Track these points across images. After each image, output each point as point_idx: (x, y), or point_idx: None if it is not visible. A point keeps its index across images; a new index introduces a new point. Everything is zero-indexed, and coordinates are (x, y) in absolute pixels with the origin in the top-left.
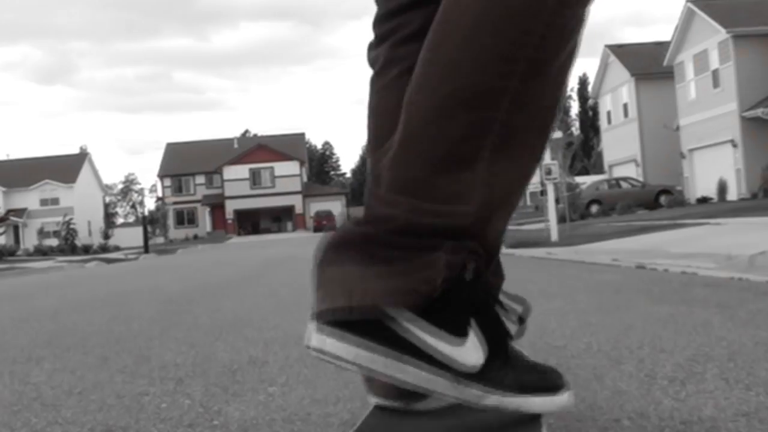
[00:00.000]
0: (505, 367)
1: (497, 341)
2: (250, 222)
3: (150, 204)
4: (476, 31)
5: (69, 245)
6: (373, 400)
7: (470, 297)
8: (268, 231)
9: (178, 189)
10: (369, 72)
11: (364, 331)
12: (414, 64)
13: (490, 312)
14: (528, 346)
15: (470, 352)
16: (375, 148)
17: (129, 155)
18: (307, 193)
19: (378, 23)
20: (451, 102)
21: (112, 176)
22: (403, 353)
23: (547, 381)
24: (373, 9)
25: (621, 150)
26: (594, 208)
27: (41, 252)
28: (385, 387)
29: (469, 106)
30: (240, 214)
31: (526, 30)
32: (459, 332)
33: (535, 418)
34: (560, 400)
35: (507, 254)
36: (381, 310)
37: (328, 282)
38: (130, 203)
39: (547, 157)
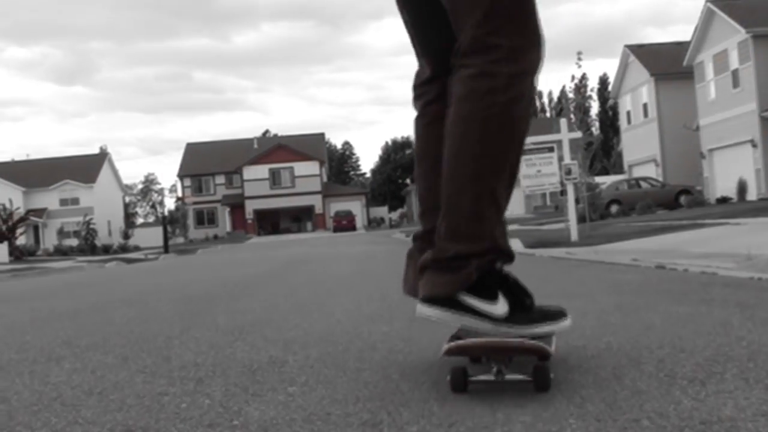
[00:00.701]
0: (522, 312)
1: (515, 300)
2: (270, 222)
3: (170, 204)
4: (475, 155)
5: (89, 245)
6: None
7: (498, 278)
8: (288, 231)
9: (198, 189)
10: (389, 76)
11: (442, 303)
12: (434, 119)
13: (511, 283)
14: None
15: (499, 307)
16: (418, 165)
17: (149, 155)
18: (326, 193)
19: (414, 88)
20: (472, 192)
21: (132, 176)
22: (463, 313)
23: (548, 316)
24: (391, 8)
25: (641, 150)
26: (614, 208)
27: (61, 252)
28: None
29: (482, 195)
30: (260, 214)
31: (507, 150)
32: (492, 298)
33: (547, 337)
34: (558, 325)
35: (527, 254)
36: (448, 293)
37: (424, 282)
38: (150, 203)
39: (567, 157)
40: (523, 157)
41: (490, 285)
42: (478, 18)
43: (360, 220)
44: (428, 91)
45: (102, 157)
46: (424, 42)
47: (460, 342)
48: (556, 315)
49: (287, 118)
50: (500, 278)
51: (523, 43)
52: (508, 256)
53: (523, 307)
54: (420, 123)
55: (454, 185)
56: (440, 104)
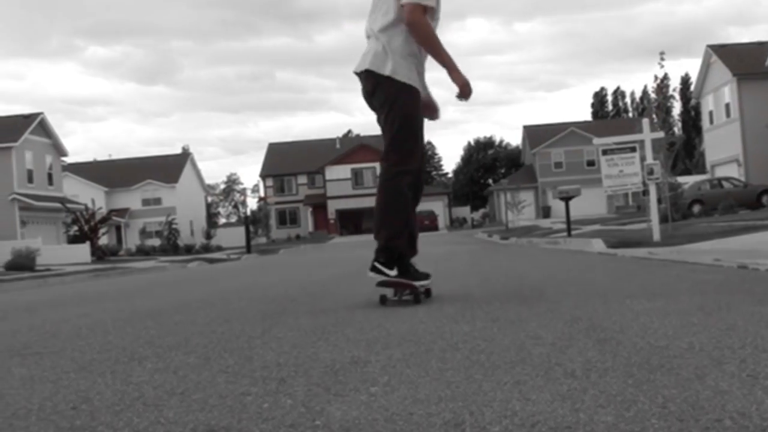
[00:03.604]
0: (407, 275)
1: (402, 269)
2: (352, 222)
3: (252, 204)
4: (388, 207)
5: (171, 245)
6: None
7: (397, 261)
8: (370, 231)
9: (280, 189)
10: (471, 75)
11: (371, 269)
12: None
13: (403, 262)
14: (630, 346)
15: (392, 272)
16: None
17: (231, 155)
18: None
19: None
20: (385, 221)
21: (215, 176)
22: (376, 272)
23: (420, 277)
24: (472, 8)
25: (723, 150)
26: (696, 208)
27: (143, 252)
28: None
29: (396, 229)
30: (342, 214)
31: (400, 202)
32: (392, 268)
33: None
34: (420, 282)
35: (609, 254)
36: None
37: (374, 260)
38: (232, 203)
39: (649, 157)
40: (605, 157)
41: (393, 262)
42: (387, 142)
43: (442, 220)
44: None
45: (184, 157)
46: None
47: (382, 280)
48: (422, 277)
49: (370, 118)
50: (399, 261)
51: (403, 158)
52: (400, 254)
53: (407, 274)
54: None
55: (381, 224)
56: None
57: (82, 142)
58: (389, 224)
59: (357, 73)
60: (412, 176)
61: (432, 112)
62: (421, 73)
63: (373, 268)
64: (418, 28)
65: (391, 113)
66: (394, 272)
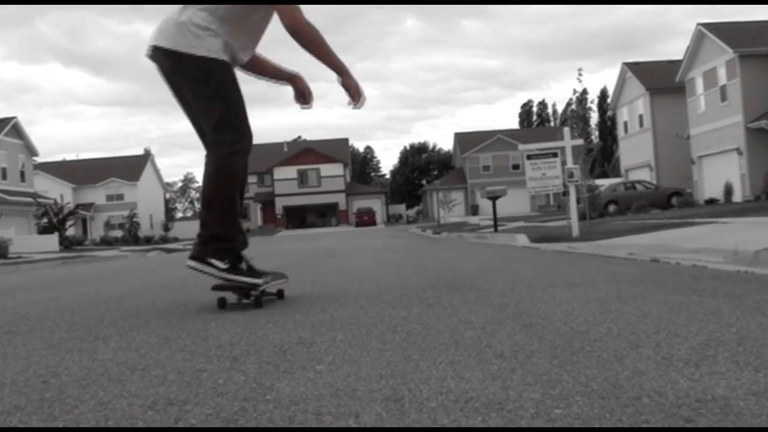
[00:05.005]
0: (235, 270)
1: (233, 264)
2: (298, 217)
3: None
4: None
5: (132, 236)
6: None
7: (229, 254)
8: (314, 225)
9: None
10: (402, 87)
11: (197, 259)
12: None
13: (236, 258)
14: (554, 330)
15: (223, 264)
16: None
17: (187, 152)
18: (349, 191)
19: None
20: (211, 212)
21: (173, 175)
22: (211, 267)
23: (253, 275)
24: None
25: (637, 156)
26: (611, 208)
27: (107, 242)
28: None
29: (230, 216)
30: (288, 210)
31: (232, 195)
32: (225, 262)
33: (274, 283)
34: (253, 280)
35: (532, 248)
36: (207, 260)
37: (193, 249)
38: (189, 199)
39: (569, 162)
40: (529, 162)
41: (223, 256)
42: (213, 123)
43: (380, 217)
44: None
45: (145, 157)
46: (195, 127)
47: (218, 284)
48: (257, 275)
49: (315, 125)
50: (233, 255)
51: (237, 137)
52: (230, 246)
53: (236, 269)
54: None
55: (209, 210)
56: None
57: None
58: (221, 211)
59: (150, 54)
60: (244, 157)
61: (303, 96)
62: (245, 46)
63: (199, 259)
64: (304, 33)
65: (204, 91)
66: (223, 265)
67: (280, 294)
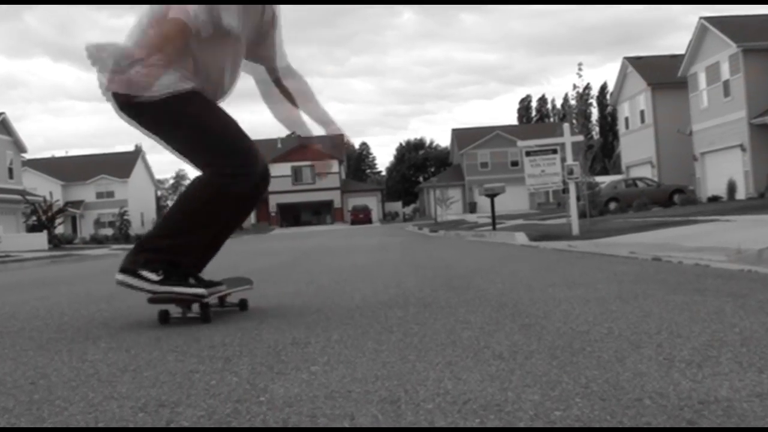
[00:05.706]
0: (170, 281)
1: (171, 277)
2: (292, 215)
3: None
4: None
5: (123, 234)
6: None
7: (174, 270)
8: (308, 223)
9: None
10: (398, 84)
11: (127, 272)
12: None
13: (177, 272)
14: (554, 330)
15: (155, 276)
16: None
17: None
18: (345, 189)
19: None
20: (186, 237)
21: (164, 172)
22: (142, 280)
23: (199, 285)
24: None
25: (638, 152)
26: (612, 206)
27: (97, 241)
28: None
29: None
30: (282, 208)
31: (217, 213)
32: (158, 273)
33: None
34: (193, 290)
35: (531, 246)
36: (138, 272)
37: (128, 260)
38: None
39: (569, 159)
40: (528, 158)
41: (157, 267)
42: (203, 166)
43: (376, 214)
44: None
45: (136, 153)
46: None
47: (155, 296)
48: (203, 285)
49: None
50: (170, 267)
51: (240, 162)
52: (173, 262)
53: (173, 279)
54: None
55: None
56: None
57: (39, 139)
58: (187, 232)
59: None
60: (250, 182)
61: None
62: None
63: (129, 272)
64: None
65: (180, 132)
66: (155, 277)
67: (242, 305)
